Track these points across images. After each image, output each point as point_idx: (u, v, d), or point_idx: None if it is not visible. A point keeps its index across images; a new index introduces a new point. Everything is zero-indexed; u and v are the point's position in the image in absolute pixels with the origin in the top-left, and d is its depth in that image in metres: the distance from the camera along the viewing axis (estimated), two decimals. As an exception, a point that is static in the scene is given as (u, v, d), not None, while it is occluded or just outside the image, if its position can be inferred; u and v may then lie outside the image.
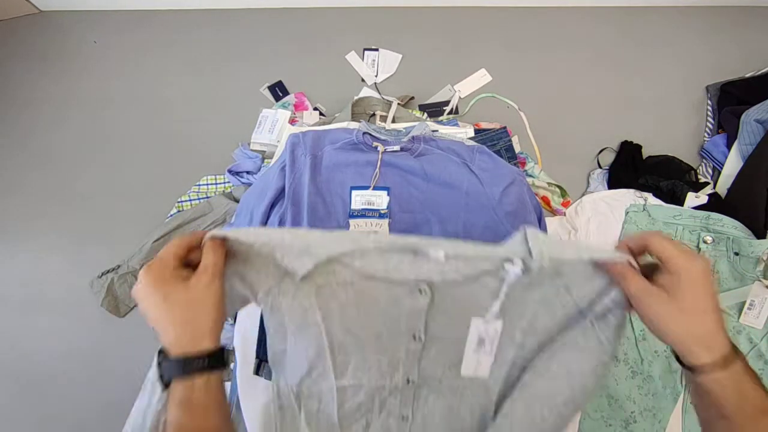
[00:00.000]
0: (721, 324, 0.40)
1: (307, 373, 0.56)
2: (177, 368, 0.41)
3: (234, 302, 0.52)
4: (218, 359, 0.42)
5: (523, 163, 1.01)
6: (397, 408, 0.58)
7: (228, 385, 0.87)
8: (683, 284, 0.40)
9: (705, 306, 0.40)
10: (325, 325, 0.53)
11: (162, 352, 0.42)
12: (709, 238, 0.85)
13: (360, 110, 1.04)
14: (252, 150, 1.03)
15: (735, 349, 0.41)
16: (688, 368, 0.41)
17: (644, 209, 0.89)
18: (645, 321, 0.43)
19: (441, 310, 0.54)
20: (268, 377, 0.77)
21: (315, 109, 1.10)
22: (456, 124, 1.00)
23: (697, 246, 0.86)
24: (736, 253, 0.84)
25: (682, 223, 0.86)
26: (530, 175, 1.00)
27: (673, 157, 1.02)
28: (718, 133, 1.06)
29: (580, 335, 0.50)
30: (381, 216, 0.82)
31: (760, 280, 0.82)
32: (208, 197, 0.99)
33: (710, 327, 0.40)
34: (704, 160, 1.05)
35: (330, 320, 0.53)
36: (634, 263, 0.44)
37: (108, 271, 0.93)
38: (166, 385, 0.41)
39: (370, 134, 0.90)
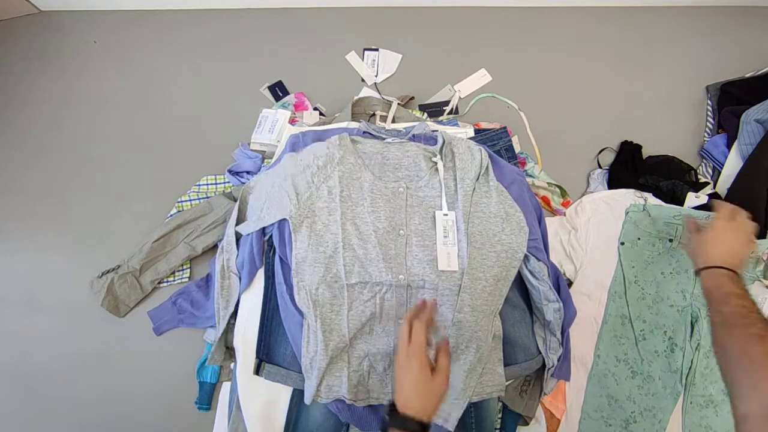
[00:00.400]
0: (733, 259, 0.66)
1: (323, 276, 0.73)
2: (399, 422, 0.56)
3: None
4: (425, 429, 0.57)
5: (523, 163, 1.01)
6: (394, 309, 0.74)
7: (228, 385, 0.88)
8: (709, 231, 0.71)
9: (720, 243, 0.68)
10: (341, 210, 0.76)
11: (393, 406, 0.58)
12: None
13: (360, 110, 1.04)
14: (252, 150, 1.03)
15: (727, 267, 0.65)
16: (696, 274, 0.68)
17: (644, 209, 0.89)
18: (692, 248, 0.73)
19: (413, 209, 0.78)
20: (268, 377, 0.77)
21: (315, 109, 1.10)
22: (456, 124, 1.00)
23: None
24: None
25: (682, 223, 0.86)
26: (530, 175, 1.00)
27: (673, 157, 1.02)
28: (718, 133, 1.06)
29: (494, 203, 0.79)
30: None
31: (760, 280, 0.82)
32: (208, 197, 0.99)
33: (718, 255, 0.67)
34: (704, 160, 1.05)
35: (345, 208, 0.76)
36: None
37: (108, 271, 0.93)
38: (384, 430, 0.57)
39: (370, 134, 0.90)
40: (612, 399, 0.82)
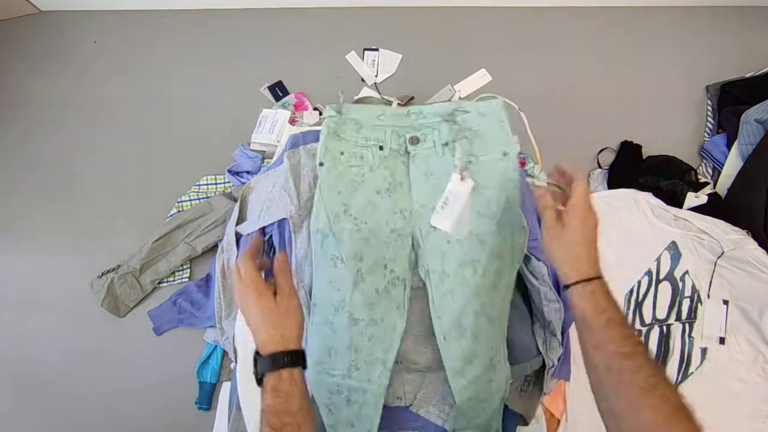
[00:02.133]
0: (592, 256, 0.55)
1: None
2: (267, 364, 0.52)
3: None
4: (300, 357, 0.54)
5: (523, 163, 1.01)
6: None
7: (228, 385, 0.88)
8: (571, 222, 0.57)
9: (580, 240, 0.56)
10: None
11: (257, 353, 0.54)
12: (415, 139, 0.76)
13: (360, 110, 1.03)
14: (252, 150, 1.03)
15: (599, 276, 0.54)
16: (565, 287, 0.55)
17: (341, 112, 0.77)
18: (544, 246, 0.60)
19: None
20: (268, 377, 0.77)
21: (315, 109, 1.10)
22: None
23: (405, 150, 0.76)
24: (445, 144, 0.75)
25: (388, 124, 0.76)
26: (530, 175, 1.00)
27: (673, 157, 1.02)
28: (718, 133, 1.06)
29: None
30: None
31: (457, 174, 0.71)
32: (208, 197, 0.99)
33: (581, 257, 0.55)
34: (704, 160, 1.05)
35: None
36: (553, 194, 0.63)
37: (108, 271, 0.93)
38: (260, 381, 0.53)
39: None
40: (331, 350, 0.72)
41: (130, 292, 0.93)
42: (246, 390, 0.77)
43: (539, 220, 0.85)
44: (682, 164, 1.01)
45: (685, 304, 0.86)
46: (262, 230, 0.81)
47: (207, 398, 0.88)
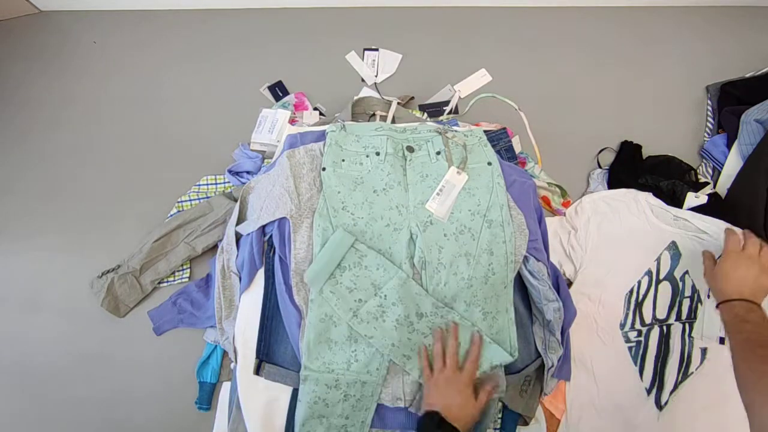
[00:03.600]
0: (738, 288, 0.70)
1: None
2: (449, 429, 0.63)
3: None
4: None
5: (523, 163, 1.01)
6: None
7: (228, 385, 0.88)
8: (720, 265, 0.74)
9: (729, 278, 0.72)
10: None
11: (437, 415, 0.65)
12: (411, 149, 0.86)
13: (360, 110, 1.04)
14: (252, 150, 1.03)
15: (748, 300, 0.68)
16: (750, 302, 0.68)
17: (343, 128, 0.87)
18: (708, 283, 0.78)
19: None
20: (268, 377, 0.77)
21: (315, 109, 1.10)
22: (456, 124, 1.00)
23: (403, 155, 0.85)
24: (438, 153, 0.85)
25: (386, 134, 0.85)
26: (531, 175, 1.00)
27: (673, 157, 1.02)
28: (718, 133, 1.06)
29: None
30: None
31: (454, 167, 0.84)
32: (208, 197, 0.99)
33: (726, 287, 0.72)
34: (704, 160, 1.05)
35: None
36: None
37: (108, 271, 0.93)
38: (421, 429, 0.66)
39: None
40: (331, 342, 0.75)
41: (130, 292, 0.93)
42: (246, 390, 0.77)
43: (540, 222, 0.87)
44: (682, 164, 1.01)
45: (685, 304, 0.86)
46: (262, 229, 0.81)
47: (207, 398, 0.88)
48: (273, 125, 1.02)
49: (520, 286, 0.82)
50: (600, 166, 1.05)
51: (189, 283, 0.95)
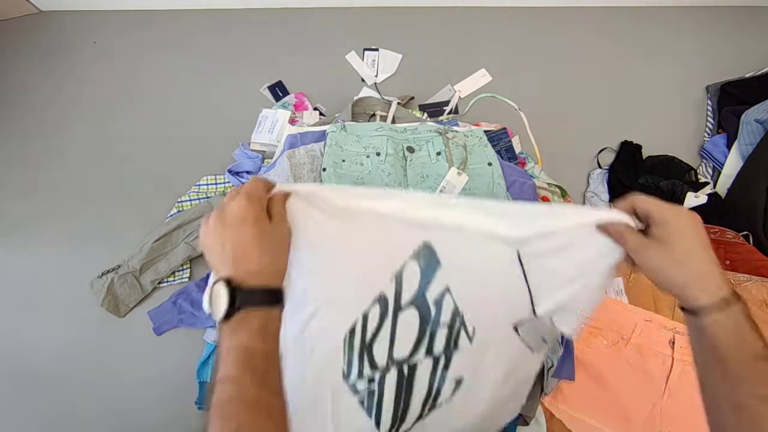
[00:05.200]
0: (715, 266, 0.42)
1: None
2: (255, 298, 0.42)
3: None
4: (282, 297, 0.45)
5: (523, 163, 1.01)
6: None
7: (228, 385, 0.87)
8: (672, 232, 0.43)
9: (696, 249, 0.42)
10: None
11: (229, 282, 0.42)
12: (411, 149, 0.85)
13: (360, 110, 1.04)
14: (252, 150, 1.03)
15: (736, 294, 0.42)
16: (691, 313, 0.43)
17: (344, 128, 0.86)
18: (647, 274, 0.45)
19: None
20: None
21: (315, 109, 1.10)
22: (456, 124, 1.00)
23: (403, 155, 0.85)
24: (438, 153, 0.84)
25: (386, 135, 0.84)
26: (530, 175, 1.00)
27: (673, 157, 1.02)
28: (718, 133, 1.06)
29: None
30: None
31: (455, 168, 0.83)
32: (208, 197, 0.99)
33: (704, 269, 0.42)
34: (704, 160, 1.05)
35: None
36: (630, 222, 0.47)
37: (108, 271, 0.93)
38: (229, 315, 0.42)
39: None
40: None
41: (130, 292, 0.93)
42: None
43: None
44: (682, 164, 1.01)
45: (440, 336, 0.57)
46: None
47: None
48: (273, 125, 1.02)
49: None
50: (600, 166, 1.05)
51: (189, 283, 0.95)
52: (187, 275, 0.96)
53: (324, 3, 1.19)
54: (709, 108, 1.10)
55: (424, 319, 0.57)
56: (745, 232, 0.89)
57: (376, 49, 1.16)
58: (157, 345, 0.92)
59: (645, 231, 0.46)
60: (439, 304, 0.56)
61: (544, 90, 1.13)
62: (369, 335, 0.56)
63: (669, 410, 0.80)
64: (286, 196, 0.49)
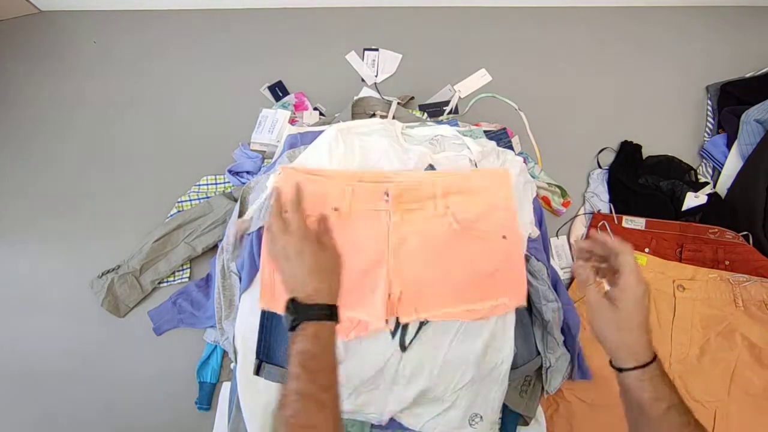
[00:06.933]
0: (646, 335, 0.50)
1: None
2: (312, 313, 0.52)
3: None
4: (336, 313, 0.55)
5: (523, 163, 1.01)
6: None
7: (228, 385, 0.88)
8: (626, 300, 0.50)
9: (638, 322, 0.50)
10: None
11: (294, 301, 0.53)
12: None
13: (360, 110, 1.04)
14: (252, 150, 1.03)
15: (654, 354, 0.50)
16: (617, 370, 0.51)
17: None
18: (590, 323, 0.54)
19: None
20: (268, 377, 0.77)
21: (315, 109, 1.10)
22: (456, 124, 1.00)
23: None
24: None
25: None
26: (530, 175, 1.00)
27: (673, 157, 1.02)
28: (718, 133, 1.06)
29: None
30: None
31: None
32: (208, 197, 0.99)
33: (637, 339, 0.50)
34: (704, 160, 1.05)
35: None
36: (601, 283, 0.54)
37: (108, 272, 0.93)
38: (294, 327, 0.52)
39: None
40: None
41: (130, 292, 0.93)
42: (246, 390, 0.77)
43: (540, 223, 0.86)
44: (682, 164, 1.01)
45: None
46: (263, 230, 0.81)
47: (207, 398, 0.88)
48: (273, 125, 1.02)
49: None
50: (600, 166, 1.05)
51: (189, 283, 0.95)
52: (187, 275, 0.97)
53: (324, 3, 1.19)
54: (709, 108, 1.10)
55: None
56: (745, 233, 0.89)
57: (376, 49, 1.16)
58: (157, 345, 0.92)
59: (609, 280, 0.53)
60: None
61: (544, 90, 1.13)
62: None
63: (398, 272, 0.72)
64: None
